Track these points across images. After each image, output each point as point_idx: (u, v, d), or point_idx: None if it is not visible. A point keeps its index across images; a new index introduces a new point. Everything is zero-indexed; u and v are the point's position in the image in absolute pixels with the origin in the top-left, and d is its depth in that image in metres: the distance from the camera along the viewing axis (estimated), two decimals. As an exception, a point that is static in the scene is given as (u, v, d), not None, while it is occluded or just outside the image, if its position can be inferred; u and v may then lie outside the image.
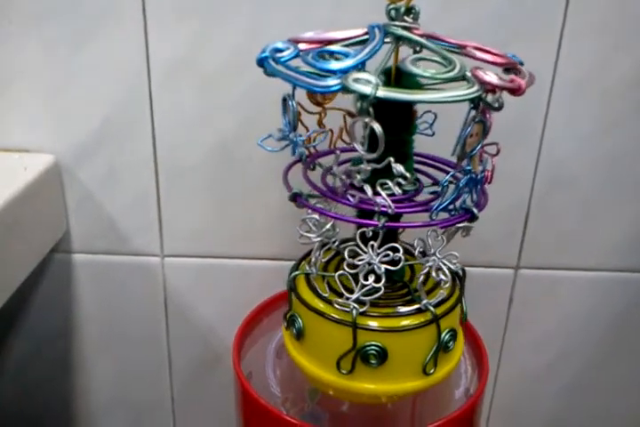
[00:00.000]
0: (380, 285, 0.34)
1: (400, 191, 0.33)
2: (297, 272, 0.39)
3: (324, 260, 0.39)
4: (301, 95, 0.37)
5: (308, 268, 0.38)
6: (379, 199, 0.32)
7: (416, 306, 0.36)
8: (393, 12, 0.32)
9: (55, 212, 0.52)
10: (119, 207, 0.53)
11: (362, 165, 0.31)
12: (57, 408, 0.63)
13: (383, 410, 0.45)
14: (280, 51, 0.31)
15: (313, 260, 0.38)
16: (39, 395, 0.62)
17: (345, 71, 0.29)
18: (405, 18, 0.32)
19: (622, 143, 0.50)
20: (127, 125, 0.50)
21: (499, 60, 0.32)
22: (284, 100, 0.35)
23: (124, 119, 0.49)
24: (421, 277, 0.35)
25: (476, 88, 0.29)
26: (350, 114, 0.38)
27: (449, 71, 0.29)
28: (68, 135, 0.50)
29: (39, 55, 0.47)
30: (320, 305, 0.37)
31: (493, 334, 0.58)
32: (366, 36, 0.33)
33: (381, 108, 0.33)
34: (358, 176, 0.32)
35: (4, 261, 0.44)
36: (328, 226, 0.36)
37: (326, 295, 0.37)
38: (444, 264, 0.35)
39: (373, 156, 0.30)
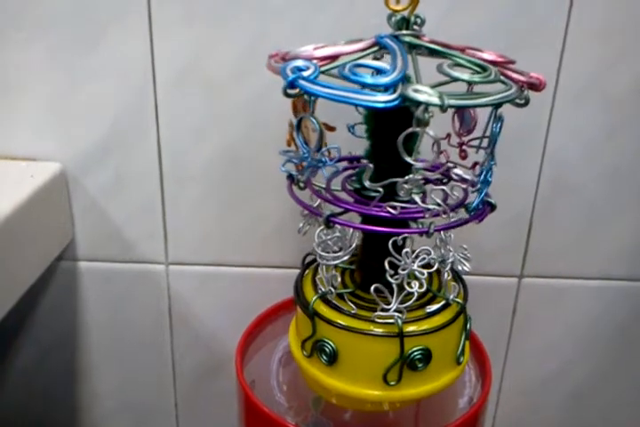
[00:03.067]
0: (423, 289, 0.34)
1: (459, 195, 0.34)
2: (316, 297, 0.37)
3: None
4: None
5: (323, 289, 0.37)
6: (430, 206, 0.33)
7: (442, 302, 0.37)
8: (401, 22, 0.33)
9: (61, 219, 0.52)
10: (124, 215, 0.53)
11: (411, 175, 0.32)
12: (62, 415, 0.63)
13: (387, 419, 0.45)
14: (301, 69, 0.30)
15: (333, 280, 0.37)
16: (44, 401, 0.63)
17: (393, 84, 0.28)
18: (415, 27, 0.33)
19: (625, 151, 0.50)
20: (133, 134, 0.50)
21: (498, 58, 0.33)
22: (300, 121, 0.33)
23: (130, 128, 0.50)
24: (445, 274, 0.36)
25: (515, 89, 0.30)
26: (327, 127, 0.37)
27: (488, 75, 0.30)
28: (74, 144, 0.50)
29: (45, 65, 0.48)
30: (357, 324, 0.36)
31: (497, 343, 0.58)
32: (374, 48, 0.32)
33: (391, 119, 0.34)
34: (405, 186, 0.32)
35: (11, 268, 0.44)
36: (354, 245, 0.36)
37: (355, 312, 0.36)
38: (462, 256, 0.37)
39: (427, 165, 0.30)
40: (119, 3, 0.45)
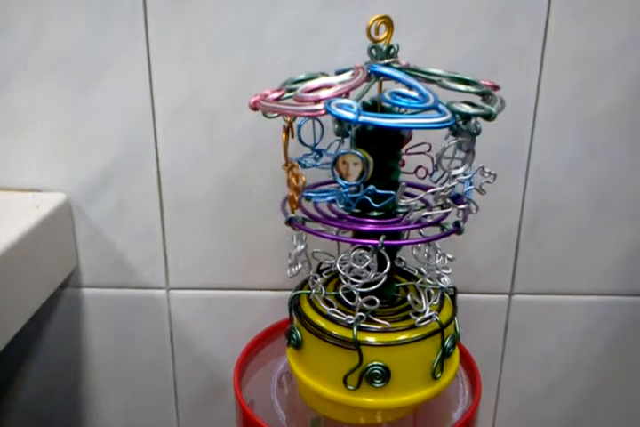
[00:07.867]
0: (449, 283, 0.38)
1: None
2: (355, 328, 0.36)
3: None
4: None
5: (352, 318, 0.37)
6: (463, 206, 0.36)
7: (438, 293, 0.40)
8: (386, 51, 0.35)
9: (66, 248, 0.53)
10: (126, 243, 0.55)
11: (447, 184, 0.34)
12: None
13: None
14: (348, 107, 0.30)
15: (368, 304, 0.37)
16: (49, 426, 0.63)
17: (438, 105, 0.31)
18: (396, 55, 0.36)
19: (608, 168, 0.52)
20: (133, 165, 0.52)
21: (444, 72, 0.36)
22: (337, 158, 0.33)
23: (131, 160, 0.52)
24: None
25: (499, 100, 0.33)
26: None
27: (481, 87, 0.34)
28: (77, 175, 0.52)
29: (50, 102, 0.50)
30: (405, 335, 0.37)
31: (491, 361, 0.59)
32: (373, 79, 0.35)
33: (376, 137, 0.36)
34: (443, 194, 0.34)
35: (17, 295, 0.45)
36: (389, 265, 0.35)
37: (394, 328, 0.37)
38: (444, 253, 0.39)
39: (466, 171, 0.33)
40: (120, 42, 0.48)
